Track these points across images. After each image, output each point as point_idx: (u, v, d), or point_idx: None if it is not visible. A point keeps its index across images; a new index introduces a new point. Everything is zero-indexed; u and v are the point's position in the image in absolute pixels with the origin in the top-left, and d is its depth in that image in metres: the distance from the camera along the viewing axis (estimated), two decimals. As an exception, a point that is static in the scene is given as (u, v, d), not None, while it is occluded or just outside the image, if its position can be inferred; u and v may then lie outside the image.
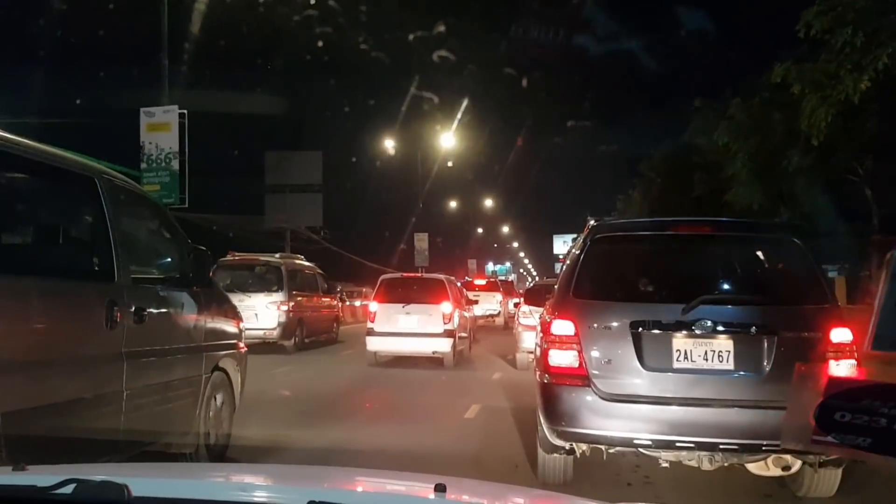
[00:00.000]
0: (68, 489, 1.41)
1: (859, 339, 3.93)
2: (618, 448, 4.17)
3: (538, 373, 4.55)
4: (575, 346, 4.17)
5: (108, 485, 1.41)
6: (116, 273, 3.90)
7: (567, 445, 4.29)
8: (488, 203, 53.55)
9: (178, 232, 4.94)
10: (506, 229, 70.06)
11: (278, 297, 13.18)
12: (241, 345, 5.92)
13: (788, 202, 18.11)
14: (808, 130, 12.24)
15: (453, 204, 47.01)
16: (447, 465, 4.63)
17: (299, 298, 13.92)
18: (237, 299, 12.72)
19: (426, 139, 31.13)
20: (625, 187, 34.63)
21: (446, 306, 11.02)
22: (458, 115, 26.74)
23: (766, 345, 3.98)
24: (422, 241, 35.98)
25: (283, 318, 13.04)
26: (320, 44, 20.11)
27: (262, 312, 12.93)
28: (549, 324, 4.37)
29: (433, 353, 11.12)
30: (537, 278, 77.15)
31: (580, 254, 4.56)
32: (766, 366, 3.96)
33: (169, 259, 5.07)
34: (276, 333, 13.02)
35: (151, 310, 4.23)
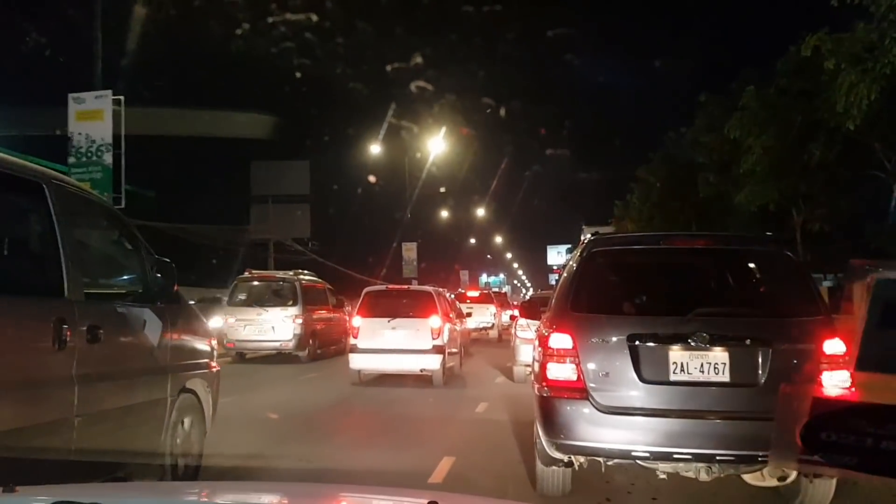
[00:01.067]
0: None
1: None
2: (616, 460, 4.25)
3: (536, 386, 4.62)
4: (573, 359, 4.26)
5: None
6: (66, 288, 3.62)
7: (565, 458, 4.38)
8: (481, 215, 53.19)
9: (141, 243, 4.67)
10: (499, 240, 70.01)
11: (294, 311, 14.32)
12: (214, 364, 5.66)
13: (806, 202, 16.90)
14: (845, 111, 10.88)
15: (445, 215, 46.59)
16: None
17: (312, 312, 14.99)
18: (256, 313, 14.76)
19: (416, 148, 30.74)
20: (622, 192, 33.83)
21: (435, 320, 10.54)
22: (449, 119, 26.23)
23: (760, 356, 4.08)
24: (410, 251, 34.98)
25: (298, 331, 14.21)
26: (307, 62, 20.04)
27: (278, 325, 14.21)
28: (548, 337, 4.45)
29: (421, 370, 10.59)
30: (531, 290, 77.26)
31: (577, 268, 4.67)
32: (761, 377, 4.06)
33: (129, 272, 4.79)
34: (291, 345, 14.23)
35: (107, 328, 3.95)
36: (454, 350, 11.63)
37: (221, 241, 26.20)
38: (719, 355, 4.11)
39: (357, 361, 10.67)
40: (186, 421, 4.95)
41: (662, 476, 4.35)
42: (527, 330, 10.08)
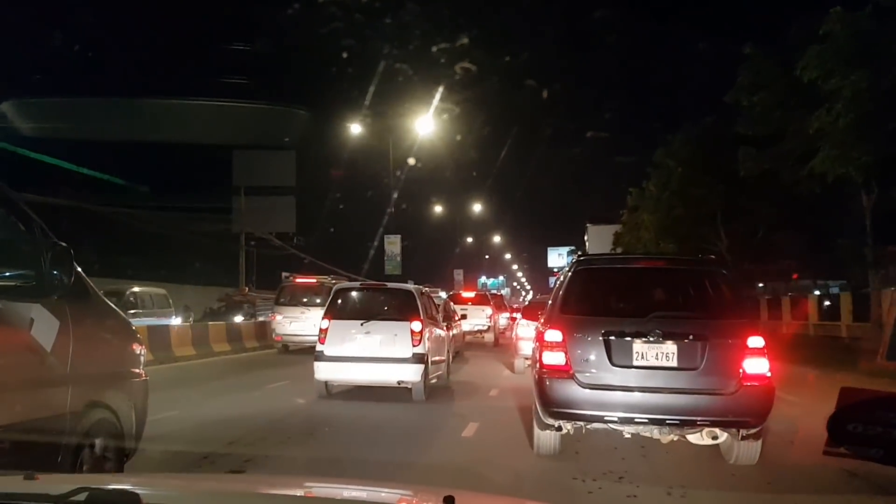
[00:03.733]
0: (81, 497, 1.45)
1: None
2: (594, 424, 5.84)
3: (535, 370, 6.15)
4: (562, 349, 5.76)
5: (121, 493, 1.52)
6: None
7: (556, 424, 5.89)
8: (481, 216, 52.26)
9: (35, 224, 3.90)
10: (499, 242, 69.36)
11: None
12: (140, 371, 4.92)
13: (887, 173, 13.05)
14: None
15: (443, 213, 45.63)
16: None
17: None
18: (299, 311, 17.27)
19: (402, 136, 29.17)
20: (638, 179, 30.59)
21: (416, 324, 9.43)
22: (436, 110, 24.73)
23: (699, 348, 5.62)
24: (393, 244, 31.83)
25: None
26: (344, 55, 19.44)
27: (318, 323, 15.88)
28: (543, 333, 6.02)
29: (398, 382, 9.48)
30: (531, 293, 76.48)
31: (566, 280, 6.32)
32: (700, 363, 5.60)
33: (13, 260, 4.01)
34: None
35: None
36: (440, 358, 10.68)
37: (189, 233, 25.36)
38: (670, 347, 5.62)
39: (323, 371, 9.48)
40: (98, 442, 4.25)
41: (627, 436, 6.01)
42: (526, 328, 11.95)
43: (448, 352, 11.69)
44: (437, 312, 11.58)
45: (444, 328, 11.65)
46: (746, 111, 16.80)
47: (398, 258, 31.50)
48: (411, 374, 9.34)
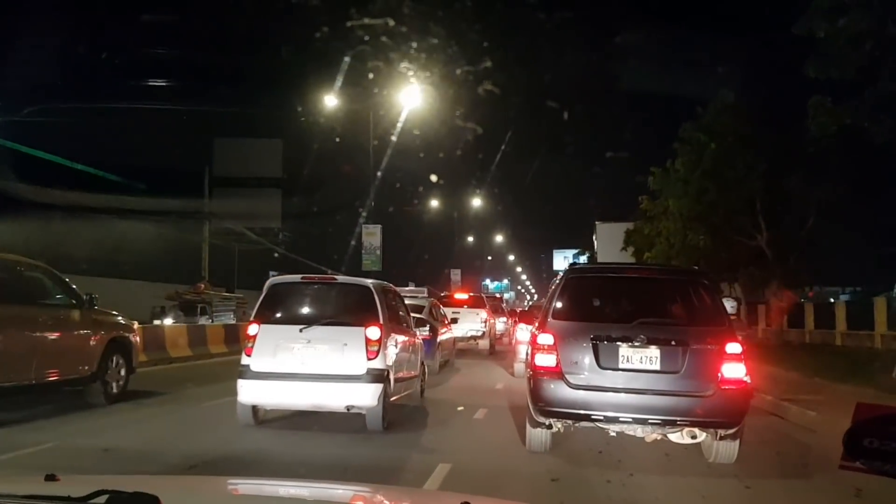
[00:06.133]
0: (101, 500, 1.48)
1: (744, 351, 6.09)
2: (582, 423, 6.31)
3: (528, 371, 6.67)
4: (553, 351, 6.22)
5: (141, 496, 1.49)
6: None
7: (547, 422, 6.37)
8: (486, 219, 50.17)
9: None
10: (504, 245, 67.38)
11: None
12: None
13: None
14: None
15: (443, 212, 43.56)
16: None
17: None
18: None
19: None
20: (661, 158, 25.39)
21: (373, 331, 7.19)
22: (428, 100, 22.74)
23: (681, 353, 6.06)
24: (372, 235, 26.84)
25: None
26: (370, 76, 18.41)
27: None
28: (536, 336, 6.55)
29: (347, 408, 7.24)
30: (536, 296, 74.48)
31: (558, 288, 6.79)
32: (681, 367, 6.04)
33: None
34: None
35: None
36: (409, 373, 8.46)
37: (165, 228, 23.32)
38: (653, 351, 6.09)
39: (249, 392, 7.16)
40: None
41: (613, 434, 6.52)
42: (525, 332, 12.28)
43: (422, 364, 9.36)
44: (407, 314, 9.24)
45: (415, 335, 9.21)
46: (825, 43, 12.92)
47: (378, 252, 26.54)
48: (365, 396, 7.07)
